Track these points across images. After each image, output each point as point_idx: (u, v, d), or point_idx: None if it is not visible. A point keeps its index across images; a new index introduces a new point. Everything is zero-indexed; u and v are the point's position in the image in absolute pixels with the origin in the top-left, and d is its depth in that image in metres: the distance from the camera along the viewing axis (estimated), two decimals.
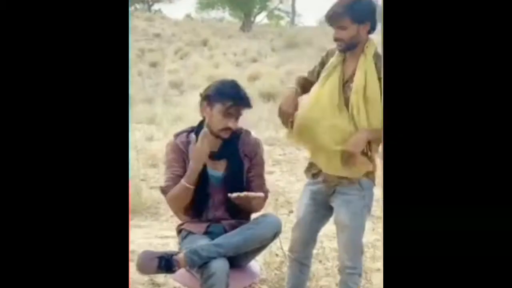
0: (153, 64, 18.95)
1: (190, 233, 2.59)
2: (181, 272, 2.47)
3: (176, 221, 2.84)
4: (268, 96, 11.60)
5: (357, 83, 2.44)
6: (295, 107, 2.54)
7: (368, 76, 2.44)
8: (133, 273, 2.56)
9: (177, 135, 2.68)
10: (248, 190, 2.55)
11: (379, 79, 2.40)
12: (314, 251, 2.86)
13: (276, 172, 6.34)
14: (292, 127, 2.55)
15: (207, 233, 2.55)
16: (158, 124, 8.87)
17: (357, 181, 2.50)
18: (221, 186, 2.60)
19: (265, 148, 2.99)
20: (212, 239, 2.48)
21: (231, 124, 2.55)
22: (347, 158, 2.43)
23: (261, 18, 38.65)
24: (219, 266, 2.32)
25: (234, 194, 2.45)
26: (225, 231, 2.53)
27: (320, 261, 3.55)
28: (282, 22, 39.10)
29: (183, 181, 2.53)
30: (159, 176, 5.48)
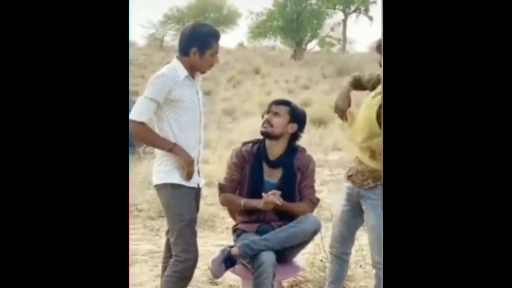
0: (208, 92, 19.52)
1: (243, 232, 3.02)
2: (236, 266, 2.89)
3: (228, 233, 3.24)
4: (319, 122, 11.95)
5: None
6: (349, 103, 2.98)
7: None
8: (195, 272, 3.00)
9: (244, 144, 3.13)
10: (299, 199, 2.99)
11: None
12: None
13: (324, 191, 6.73)
14: (346, 119, 2.95)
15: (257, 232, 2.97)
16: (212, 149, 9.35)
17: (378, 185, 2.86)
18: None
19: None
20: None
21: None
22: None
23: (312, 45, 38.86)
24: (268, 257, 2.74)
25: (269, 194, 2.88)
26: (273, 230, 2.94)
27: (361, 266, 3.90)
28: (333, 49, 38.94)
29: (242, 201, 2.99)
30: (214, 193, 5.96)
